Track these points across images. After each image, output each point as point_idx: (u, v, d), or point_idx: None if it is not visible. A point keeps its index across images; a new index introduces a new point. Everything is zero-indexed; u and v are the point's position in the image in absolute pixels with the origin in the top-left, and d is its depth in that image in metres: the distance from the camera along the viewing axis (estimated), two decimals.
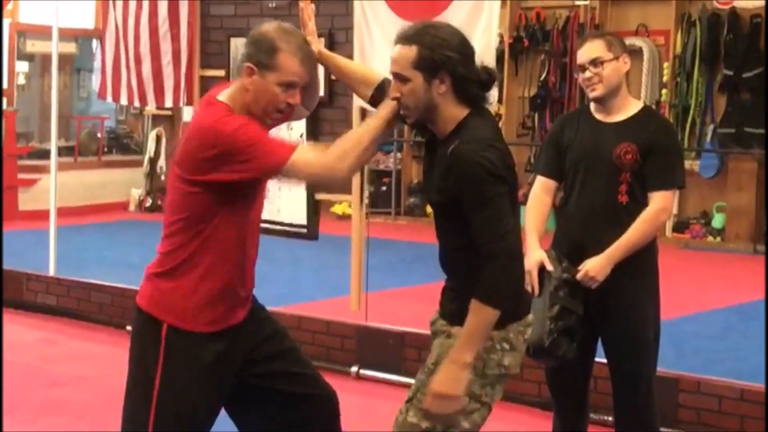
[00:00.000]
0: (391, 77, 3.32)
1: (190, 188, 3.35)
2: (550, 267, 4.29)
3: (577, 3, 11.72)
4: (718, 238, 11.80)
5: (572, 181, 4.43)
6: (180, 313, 3.38)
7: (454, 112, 3.28)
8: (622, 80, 4.39)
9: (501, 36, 12.28)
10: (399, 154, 13.62)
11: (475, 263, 3.20)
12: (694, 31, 11.80)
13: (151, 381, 3.36)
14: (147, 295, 3.45)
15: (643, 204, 4.31)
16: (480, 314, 3.17)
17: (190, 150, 3.34)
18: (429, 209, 13.30)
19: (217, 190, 3.32)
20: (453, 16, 5.97)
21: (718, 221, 11.86)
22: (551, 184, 4.53)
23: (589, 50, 4.36)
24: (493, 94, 5.41)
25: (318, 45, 3.57)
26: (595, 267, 4.23)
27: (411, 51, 3.23)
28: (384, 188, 13.62)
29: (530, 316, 3.42)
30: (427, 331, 3.57)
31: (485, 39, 5.83)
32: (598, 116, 4.42)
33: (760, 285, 9.61)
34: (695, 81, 11.85)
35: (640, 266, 4.33)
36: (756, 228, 11.54)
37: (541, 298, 4.25)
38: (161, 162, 14.84)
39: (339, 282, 7.46)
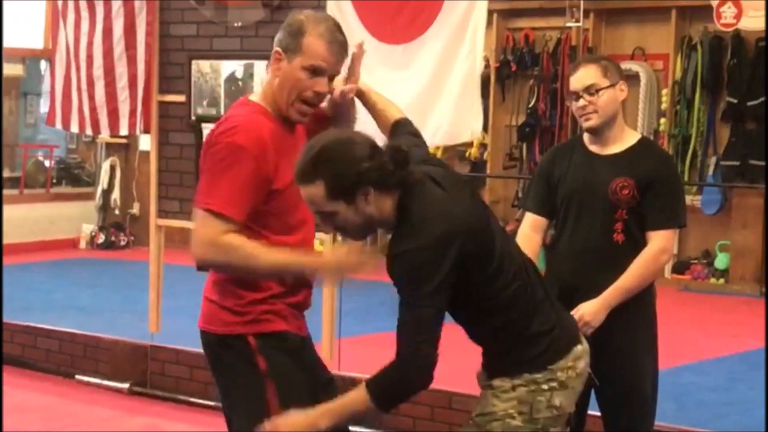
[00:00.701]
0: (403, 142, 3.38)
1: None
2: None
3: (568, 24, 11.78)
4: (722, 280, 11.84)
5: (564, 218, 4.44)
6: (255, 320, 3.50)
7: (387, 207, 3.26)
8: (618, 109, 4.41)
9: (486, 60, 12.33)
10: None
11: (483, 329, 3.38)
12: (695, 55, 11.88)
13: (262, 395, 3.46)
14: (217, 318, 3.53)
15: (641, 243, 4.32)
16: (357, 399, 3.27)
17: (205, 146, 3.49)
18: None
19: None
20: (434, 40, 6.00)
21: (721, 261, 11.90)
22: (541, 221, 4.54)
23: (583, 76, 4.38)
24: (479, 122, 5.44)
25: (357, 83, 3.68)
26: (590, 312, 4.23)
27: (318, 188, 3.19)
28: None
29: (579, 347, 3.45)
30: None
31: (469, 64, 5.85)
32: (593, 148, 4.44)
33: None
34: (696, 109, 11.93)
35: (638, 312, 4.34)
36: (763, 269, 11.58)
37: None
38: (115, 194, 14.80)
39: (309, 328, 7.43)
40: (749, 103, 11.54)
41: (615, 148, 4.40)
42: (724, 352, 8.82)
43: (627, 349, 4.33)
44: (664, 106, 12.11)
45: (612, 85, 4.37)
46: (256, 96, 3.54)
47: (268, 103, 3.49)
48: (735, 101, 11.63)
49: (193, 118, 6.86)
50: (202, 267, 3.54)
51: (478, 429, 3.34)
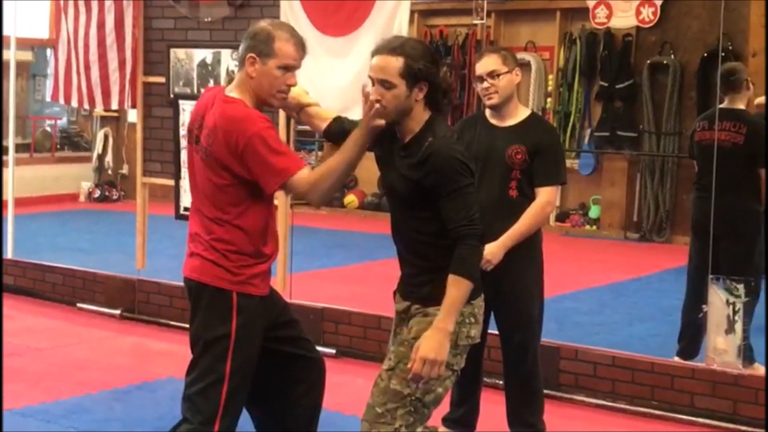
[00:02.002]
0: (371, 83, 3.32)
1: (216, 179, 3.44)
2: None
3: (474, 22, 11.75)
4: (594, 227, 11.96)
5: None
6: (243, 281, 3.46)
7: (423, 115, 3.33)
8: (514, 90, 4.43)
9: None
10: (320, 153, 13.57)
11: (444, 247, 3.24)
12: (575, 47, 11.93)
13: (227, 339, 3.45)
14: (210, 273, 3.49)
15: (531, 198, 4.36)
16: (459, 287, 3.20)
17: (221, 141, 3.39)
18: (347, 201, 13.34)
19: (240, 180, 3.41)
20: (366, 33, 5.97)
21: (594, 212, 12.03)
22: None
23: (486, 63, 4.38)
24: None
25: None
26: (491, 252, 4.25)
27: (398, 61, 3.25)
28: None
29: (482, 294, 3.45)
30: (343, 307, 3.57)
31: None
32: (493, 121, 4.46)
33: (630, 267, 9.80)
34: (575, 91, 11.99)
35: (528, 252, 4.38)
36: (626, 218, 11.71)
37: None
38: (108, 158, 14.66)
39: None
40: (617, 86, 11.62)
41: (511, 121, 4.43)
42: (595, 284, 8.93)
43: (520, 281, 4.38)
44: (550, 88, 12.16)
45: (509, 71, 4.38)
46: (232, 92, 3.49)
47: (247, 98, 3.47)
48: (606, 84, 11.70)
49: (172, 95, 6.79)
50: (323, 202, 3.52)
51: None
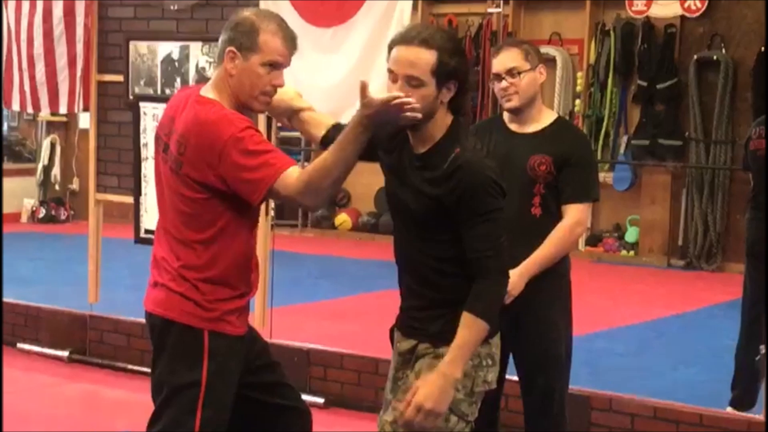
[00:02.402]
0: (392, 78, 3.29)
1: (190, 193, 3.43)
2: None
3: (490, 10, 11.81)
4: (632, 252, 11.98)
5: None
6: (216, 318, 3.48)
7: (445, 119, 3.34)
8: (537, 91, 4.43)
9: None
10: (306, 164, 13.58)
11: (462, 278, 3.26)
12: (608, 40, 11.97)
13: (197, 386, 3.46)
14: (177, 307, 3.48)
15: (557, 217, 4.35)
16: (474, 329, 3.22)
17: (193, 149, 3.39)
18: (338, 221, 13.36)
19: (216, 195, 3.41)
20: (362, 23, 5.98)
21: (631, 235, 12.04)
22: None
23: (505, 59, 4.38)
24: None
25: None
26: (509, 281, 4.25)
27: (431, 55, 3.24)
28: None
29: (499, 332, 3.46)
30: (333, 348, 3.57)
31: None
32: (512, 127, 4.45)
33: (674, 300, 9.80)
34: (609, 91, 12.03)
35: (553, 281, 4.37)
36: (669, 242, 11.73)
37: None
38: (55, 170, 14.65)
39: None
40: (658, 86, 11.66)
41: (533, 126, 4.42)
42: (634, 320, 8.93)
43: (543, 315, 4.36)
44: (579, 88, 12.19)
45: (532, 69, 4.38)
46: (209, 93, 3.50)
47: (225, 98, 3.48)
48: (645, 84, 11.74)
49: (131, 97, 6.80)
50: (320, 205, 3.51)
51: None
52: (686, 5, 11.44)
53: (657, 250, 11.83)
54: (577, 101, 12.18)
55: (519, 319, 4.27)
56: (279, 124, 3.77)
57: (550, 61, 11.80)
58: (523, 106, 4.40)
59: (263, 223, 6.31)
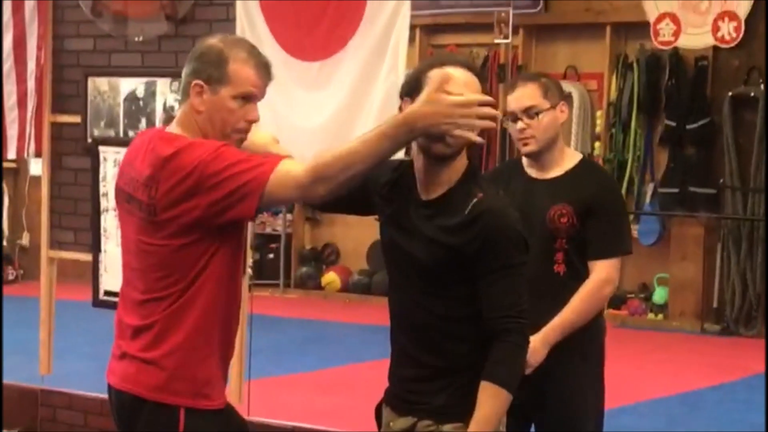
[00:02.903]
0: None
1: (167, 241, 3.39)
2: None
3: (497, 41, 11.87)
4: (660, 316, 11.96)
5: None
6: (193, 392, 3.45)
7: (461, 162, 3.40)
8: (558, 132, 4.44)
9: None
10: (289, 216, 13.62)
11: (473, 341, 3.29)
12: (631, 74, 12.03)
13: None
14: (144, 382, 3.45)
15: (584, 274, 4.34)
16: (498, 400, 3.25)
17: (165, 189, 3.37)
18: (325, 281, 13.35)
19: (200, 236, 3.37)
20: (352, 56, 6.00)
21: (659, 296, 12.02)
22: None
23: (522, 96, 4.39)
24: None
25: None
26: (529, 350, 4.24)
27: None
28: (271, 255, 13.60)
29: None
30: (320, 427, 3.55)
31: (390, 82, 5.86)
32: (531, 172, 4.46)
33: (709, 371, 9.77)
34: (633, 132, 12.06)
35: (582, 346, 4.35)
36: (702, 304, 11.70)
37: None
38: (3, 224, 14.64)
39: None
40: (688, 127, 11.68)
41: (554, 171, 4.43)
42: (663, 393, 8.90)
43: (570, 386, 4.34)
44: (598, 129, 12.23)
45: (552, 107, 4.38)
46: (173, 130, 3.50)
47: (191, 136, 3.46)
48: (673, 124, 11.77)
49: (90, 140, 6.81)
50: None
51: None
52: (719, 35, 11.48)
53: (689, 313, 11.82)
54: (597, 143, 12.21)
55: (542, 390, 4.25)
56: None
57: (565, 98, 11.83)
58: (542, 149, 4.40)
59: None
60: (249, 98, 3.48)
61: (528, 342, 3.39)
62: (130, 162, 3.57)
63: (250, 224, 3.80)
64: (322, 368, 9.58)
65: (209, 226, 3.36)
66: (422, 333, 3.39)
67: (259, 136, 3.65)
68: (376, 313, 8.70)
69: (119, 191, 3.60)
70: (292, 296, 13.30)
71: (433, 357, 3.38)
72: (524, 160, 4.49)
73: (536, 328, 4.19)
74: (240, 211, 3.34)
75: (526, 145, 4.38)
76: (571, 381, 4.34)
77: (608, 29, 12.15)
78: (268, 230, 13.65)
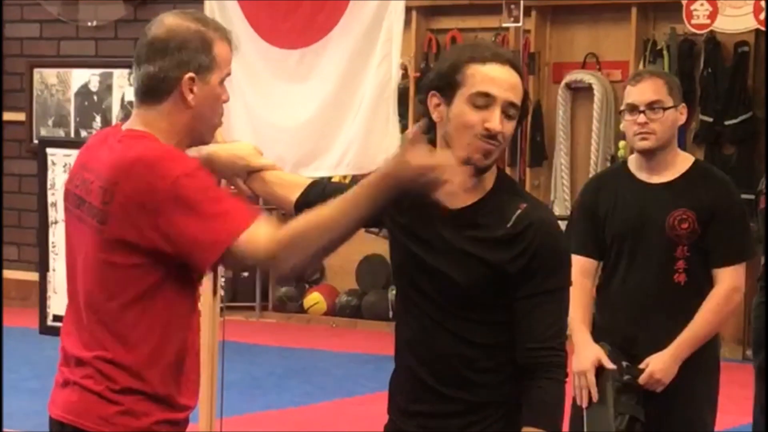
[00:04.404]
0: (487, 104, 3.36)
1: (122, 258, 3.39)
2: (610, 366, 4.45)
3: (505, 24, 11.87)
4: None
5: (615, 259, 4.69)
6: (145, 429, 3.44)
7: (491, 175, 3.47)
8: (675, 133, 4.76)
9: (404, 68, 12.38)
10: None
11: (504, 373, 3.35)
12: (660, 63, 12.01)
13: None
14: (91, 411, 3.45)
15: (706, 283, 4.61)
16: None
17: (124, 196, 3.35)
18: (308, 303, 13.34)
19: (159, 257, 3.37)
20: (339, 43, 6.02)
21: None
22: (590, 264, 4.78)
23: (647, 90, 4.70)
24: (395, 146, 5.55)
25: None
26: (661, 368, 4.51)
27: (520, 83, 3.42)
28: (246, 274, 13.57)
29: None
30: None
31: (383, 73, 5.88)
32: (642, 176, 4.75)
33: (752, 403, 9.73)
34: None
35: (702, 363, 4.63)
36: (746, 326, 11.69)
37: (602, 405, 4.42)
38: None
39: None
40: (727, 123, 11.68)
41: (668, 175, 4.73)
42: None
43: (691, 403, 4.62)
44: (623, 125, 12.20)
45: (675, 107, 4.71)
46: (146, 129, 3.47)
47: (180, 141, 3.47)
48: (710, 120, 11.76)
49: (36, 141, 6.82)
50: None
51: None
52: (762, 16, 11.47)
53: (729, 338, 11.80)
54: (621, 143, 12.17)
55: (664, 409, 4.53)
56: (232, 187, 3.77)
57: (584, 90, 11.87)
58: (659, 147, 4.70)
59: (210, 307, 6.31)
60: (226, 78, 3.52)
61: (566, 372, 3.42)
62: (81, 164, 3.56)
63: None
64: (304, 404, 9.57)
65: (160, 252, 3.37)
66: (446, 363, 3.41)
67: (239, 147, 3.70)
68: (367, 340, 8.76)
69: (68, 195, 3.58)
70: (270, 320, 13.29)
71: (461, 390, 3.40)
72: (632, 163, 4.82)
73: (657, 342, 4.53)
74: (197, 258, 3.36)
75: (645, 139, 4.68)
76: (692, 396, 4.61)
77: (634, 11, 12.14)
78: None
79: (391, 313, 12.07)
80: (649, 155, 4.74)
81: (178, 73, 3.45)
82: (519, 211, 3.34)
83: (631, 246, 4.64)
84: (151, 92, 3.48)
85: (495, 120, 3.32)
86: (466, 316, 3.37)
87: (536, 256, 3.30)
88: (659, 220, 4.61)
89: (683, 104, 4.81)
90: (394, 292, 13.85)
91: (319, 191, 3.63)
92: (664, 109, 4.67)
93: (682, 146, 11.85)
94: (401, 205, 3.44)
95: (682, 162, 4.80)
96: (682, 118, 4.82)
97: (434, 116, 3.42)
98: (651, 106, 4.67)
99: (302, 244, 3.28)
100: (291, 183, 3.74)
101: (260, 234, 3.30)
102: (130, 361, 3.45)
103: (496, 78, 3.35)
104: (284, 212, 3.74)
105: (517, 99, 3.36)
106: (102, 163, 3.45)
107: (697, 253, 4.60)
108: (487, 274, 3.33)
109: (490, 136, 3.32)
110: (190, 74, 3.44)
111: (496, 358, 3.35)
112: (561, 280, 3.34)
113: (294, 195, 3.68)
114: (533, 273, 3.30)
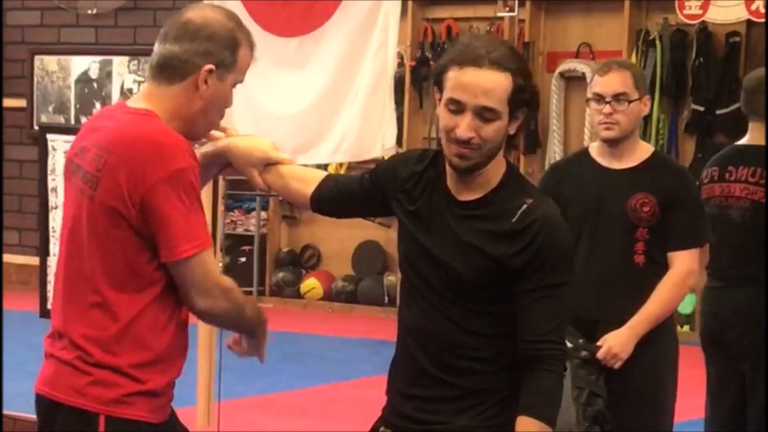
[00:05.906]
0: (459, 110, 3.33)
1: (110, 227, 3.39)
2: (567, 344, 4.52)
3: (500, 14, 11.86)
4: (686, 327, 11.94)
5: (577, 242, 4.65)
6: (117, 400, 3.42)
7: (501, 159, 3.45)
8: (637, 124, 4.88)
9: (401, 57, 12.37)
10: (264, 214, 13.59)
11: (502, 363, 3.36)
12: (653, 53, 12.01)
13: None
14: (63, 382, 3.45)
15: (663, 265, 4.74)
16: None
17: (117, 162, 3.35)
18: (305, 288, 13.34)
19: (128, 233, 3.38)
20: (336, 31, 6.02)
21: (687, 305, 12.00)
22: None
23: (614, 82, 4.80)
24: (391, 134, 5.55)
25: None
26: (618, 343, 4.63)
27: (507, 80, 3.33)
28: (243, 259, 13.57)
29: None
30: None
31: (379, 61, 5.87)
32: (603, 162, 4.86)
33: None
34: (655, 119, 12.05)
35: (664, 342, 4.80)
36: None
37: None
38: None
39: (182, 389, 7.37)
40: (719, 112, 11.68)
41: (629, 161, 4.83)
42: (690, 416, 8.89)
43: (648, 379, 4.74)
44: (588, 113, 12.18)
45: (639, 99, 4.82)
46: (149, 106, 3.47)
47: (178, 127, 3.45)
48: (701, 109, 11.76)
49: (36, 127, 6.81)
50: (208, 319, 3.63)
51: None
52: (754, 6, 11.48)
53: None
54: None
55: (621, 386, 4.66)
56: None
57: (578, 79, 11.86)
58: (622, 137, 4.81)
59: None
60: (237, 84, 3.55)
61: (565, 366, 3.44)
62: (84, 135, 3.55)
63: (219, 222, 3.82)
64: (301, 387, 9.57)
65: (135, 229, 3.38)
66: (445, 350, 3.43)
67: (257, 140, 3.71)
68: (363, 324, 8.74)
69: (69, 164, 3.57)
70: (267, 305, 13.28)
71: (458, 377, 3.41)
72: (594, 149, 4.92)
73: (617, 321, 4.68)
74: (166, 248, 3.37)
75: (609, 129, 4.79)
76: (651, 372, 4.75)
77: (627, 1, 12.14)
78: (240, 230, 13.61)
79: (386, 299, 12.14)
80: (612, 144, 4.85)
81: (201, 61, 3.45)
82: (524, 207, 3.35)
83: (593, 228, 4.76)
84: (167, 70, 3.48)
85: (462, 127, 3.30)
86: (467, 306, 3.38)
87: (540, 252, 3.31)
88: (620, 203, 4.73)
89: (647, 96, 4.94)
90: (389, 277, 13.89)
91: (332, 185, 3.67)
92: (629, 101, 4.78)
93: (674, 135, 11.96)
94: (411, 195, 3.46)
95: (642, 150, 4.91)
96: (646, 110, 4.94)
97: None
98: (617, 97, 4.78)
99: (228, 299, 3.48)
100: (306, 177, 3.75)
101: (212, 263, 3.44)
102: (108, 337, 3.42)
103: (468, 84, 3.32)
104: (297, 205, 3.78)
105: (493, 102, 3.30)
106: (103, 133, 3.45)
107: (655, 237, 4.74)
108: (489, 267, 3.34)
109: (462, 141, 3.30)
110: (211, 66, 3.45)
111: (495, 347, 3.37)
112: (564, 276, 3.35)
113: (309, 189, 3.70)
114: (536, 268, 3.31)
